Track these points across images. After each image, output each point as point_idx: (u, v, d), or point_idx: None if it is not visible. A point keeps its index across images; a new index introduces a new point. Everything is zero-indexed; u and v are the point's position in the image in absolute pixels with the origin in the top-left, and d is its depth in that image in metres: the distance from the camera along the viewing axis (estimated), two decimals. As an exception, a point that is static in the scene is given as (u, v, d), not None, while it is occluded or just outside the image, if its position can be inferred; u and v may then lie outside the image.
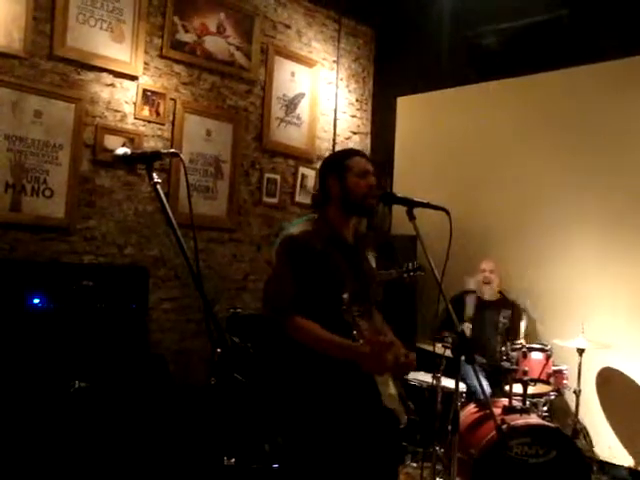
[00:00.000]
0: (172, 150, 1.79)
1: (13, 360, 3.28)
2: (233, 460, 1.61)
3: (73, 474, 3.17)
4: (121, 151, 1.81)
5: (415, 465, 4.21)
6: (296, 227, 2.45)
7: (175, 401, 3.84)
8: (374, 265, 2.58)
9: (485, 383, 4.08)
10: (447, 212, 2.41)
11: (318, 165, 5.32)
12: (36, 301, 3.48)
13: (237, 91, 4.94)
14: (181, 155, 1.78)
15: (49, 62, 3.94)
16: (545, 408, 4.15)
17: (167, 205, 1.63)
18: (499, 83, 5.11)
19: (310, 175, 5.39)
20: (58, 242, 3.99)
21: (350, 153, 2.50)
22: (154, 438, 3.53)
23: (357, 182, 2.37)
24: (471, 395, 4.09)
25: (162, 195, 1.66)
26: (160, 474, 3.38)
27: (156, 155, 1.75)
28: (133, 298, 3.86)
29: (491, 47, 5.24)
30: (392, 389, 2.27)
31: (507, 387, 3.86)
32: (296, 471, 2.25)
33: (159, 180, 1.71)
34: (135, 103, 4.33)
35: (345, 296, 2.03)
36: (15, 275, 3.49)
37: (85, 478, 3.19)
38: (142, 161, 1.77)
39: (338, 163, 2.42)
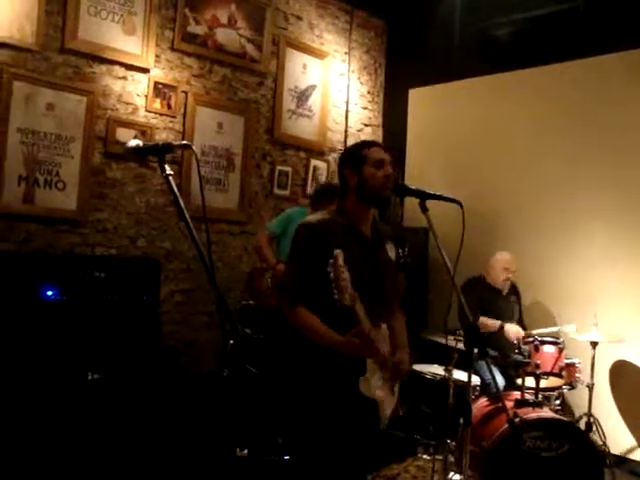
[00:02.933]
0: (184, 142, 1.78)
1: (28, 351, 3.30)
2: (245, 451, 1.61)
3: (87, 463, 3.20)
4: (133, 143, 1.80)
5: (427, 457, 4.21)
6: (314, 215, 2.45)
7: (188, 392, 3.86)
8: (393, 256, 2.56)
9: (498, 376, 4.07)
10: (460, 204, 2.40)
11: (329, 157, 5.42)
12: (49, 293, 3.50)
13: (248, 83, 4.93)
14: (193, 147, 1.77)
15: (61, 55, 3.96)
16: (558, 402, 4.12)
17: (180, 197, 1.62)
18: (512, 74, 5.07)
19: (322, 167, 5.38)
20: (70, 234, 4.01)
21: (366, 144, 2.48)
22: (167, 429, 3.55)
23: (373, 172, 2.36)
24: (484, 388, 4.08)
25: (174, 187, 1.66)
26: (173, 465, 3.40)
27: (168, 147, 1.74)
28: (145, 290, 3.88)
29: (504, 38, 5.18)
30: (378, 377, 2.33)
31: (519, 380, 3.84)
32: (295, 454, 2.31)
33: (171, 172, 1.70)
34: (147, 96, 4.34)
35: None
36: (29, 267, 3.52)
37: (99, 467, 3.21)
38: (154, 153, 1.76)
39: (354, 154, 2.42)
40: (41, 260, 3.68)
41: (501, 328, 4.17)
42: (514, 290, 4.57)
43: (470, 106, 5.34)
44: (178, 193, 1.66)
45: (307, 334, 2.28)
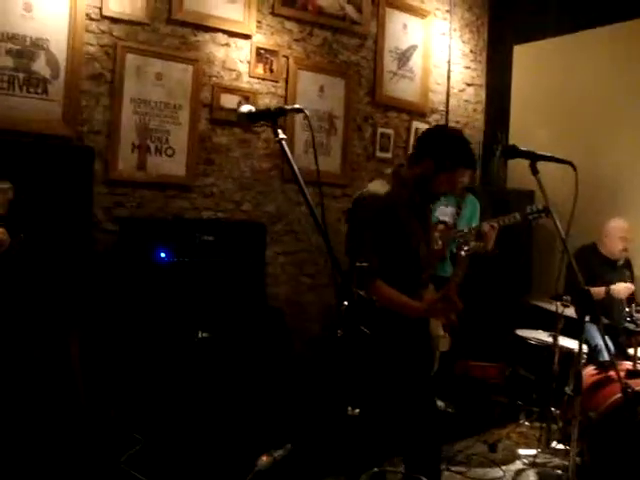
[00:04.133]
0: (297, 106, 1.80)
1: (144, 309, 3.50)
2: (357, 410, 1.65)
3: (198, 418, 3.38)
4: (245, 109, 1.84)
5: (528, 424, 4.15)
6: (378, 186, 2.49)
7: (292, 351, 3.98)
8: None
9: (610, 344, 3.92)
10: (573, 166, 2.33)
11: (432, 119, 5.33)
12: (162, 255, 3.65)
13: (349, 46, 4.89)
14: (306, 111, 1.79)
15: (168, 26, 4.07)
16: (672, 373, 3.93)
17: (293, 161, 1.66)
18: (628, 24, 4.73)
19: (424, 129, 5.27)
20: (180, 199, 4.18)
21: (462, 160, 2.45)
22: (274, 387, 3.69)
23: (447, 186, 2.45)
24: (592, 356, 3.95)
25: (288, 151, 1.69)
26: (283, 423, 3.54)
27: (281, 111, 1.78)
28: (251, 252, 3.98)
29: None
30: (442, 332, 2.61)
31: (631, 350, 3.69)
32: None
33: (284, 136, 1.73)
34: (249, 62, 4.40)
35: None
36: (143, 231, 3.70)
37: (208, 423, 3.39)
38: (267, 118, 1.80)
39: (449, 158, 2.41)
40: (154, 224, 3.86)
41: (607, 292, 4.02)
42: (628, 264, 4.35)
43: (581, 61, 5.05)
44: (291, 156, 1.70)
45: (387, 305, 2.34)
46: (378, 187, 2.46)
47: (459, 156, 2.43)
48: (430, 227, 2.68)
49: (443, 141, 2.46)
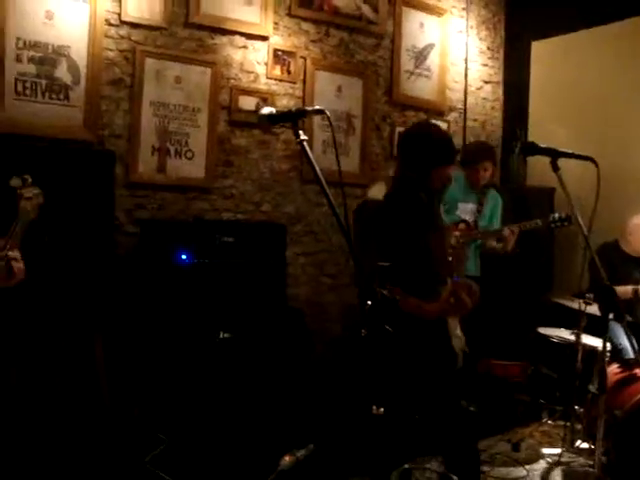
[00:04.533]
0: (317, 107, 1.82)
1: (165, 310, 3.53)
2: (382, 409, 1.65)
3: (220, 418, 3.41)
4: (266, 111, 1.86)
5: (552, 423, 4.12)
6: (379, 190, 2.52)
7: (313, 351, 3.99)
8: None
9: (635, 342, 3.88)
10: (594, 162, 2.31)
11: (450, 117, 5.31)
12: (183, 257, 3.68)
13: (365, 45, 4.90)
14: (327, 112, 1.80)
15: (186, 30, 4.11)
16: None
17: (314, 162, 1.67)
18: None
19: (442, 127, 5.27)
20: (200, 201, 4.21)
21: (438, 160, 2.47)
22: (298, 388, 3.70)
23: (439, 182, 2.49)
24: (615, 354, 3.91)
25: (309, 152, 1.70)
26: (304, 423, 3.55)
27: (302, 113, 1.79)
28: (271, 253, 3.99)
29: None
30: (459, 332, 2.57)
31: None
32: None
33: (306, 137, 1.74)
34: (267, 63, 4.43)
35: None
36: (164, 233, 3.73)
37: (231, 423, 3.41)
38: (288, 119, 1.81)
39: (442, 157, 2.46)
40: (175, 226, 3.89)
41: (635, 292, 3.95)
42: None
43: (599, 56, 5.00)
44: (312, 157, 1.71)
45: (407, 310, 2.33)
46: (376, 192, 2.51)
47: (433, 155, 2.45)
48: (440, 223, 2.66)
49: (414, 143, 2.50)
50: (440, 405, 2.48)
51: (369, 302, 1.54)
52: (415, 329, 2.38)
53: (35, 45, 3.60)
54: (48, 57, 3.64)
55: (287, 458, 2.15)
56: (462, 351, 2.60)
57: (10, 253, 1.86)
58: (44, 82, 3.64)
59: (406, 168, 2.50)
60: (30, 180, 2.15)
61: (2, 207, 2.06)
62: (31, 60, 3.59)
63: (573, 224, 2.44)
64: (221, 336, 3.60)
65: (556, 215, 3.79)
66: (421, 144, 2.46)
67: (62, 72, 3.69)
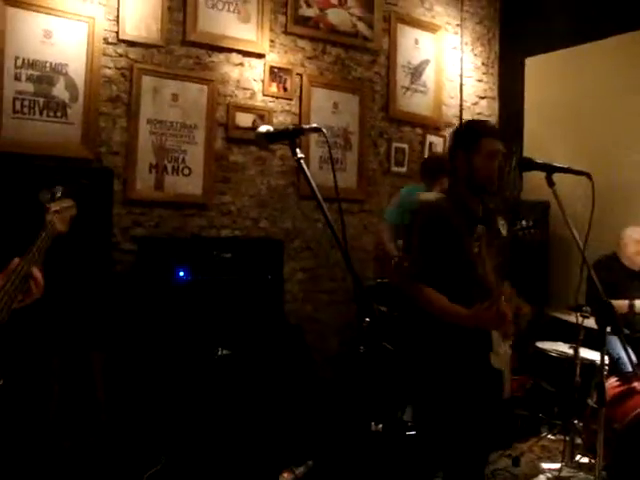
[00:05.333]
0: (314, 125, 1.83)
1: (163, 329, 3.52)
2: (380, 426, 1.65)
3: (219, 435, 3.39)
4: (264, 129, 1.86)
5: (551, 437, 4.11)
6: (431, 194, 2.48)
7: (312, 368, 3.97)
8: (505, 231, 2.56)
9: (633, 355, 3.88)
10: (589, 177, 2.34)
11: (446, 133, 5.34)
12: (181, 273, 3.67)
13: (361, 62, 4.94)
14: (323, 130, 1.81)
15: (183, 47, 4.14)
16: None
17: (312, 179, 1.68)
18: (635, 35, 4.71)
19: (438, 143, 5.31)
20: (197, 217, 4.22)
21: (482, 131, 2.43)
22: (297, 405, 3.68)
23: (485, 164, 2.35)
24: (614, 367, 3.90)
25: (306, 170, 1.71)
26: (303, 440, 3.53)
27: (299, 131, 1.80)
28: (269, 269, 3.98)
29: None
30: (503, 348, 2.36)
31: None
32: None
33: (302, 155, 1.75)
34: (263, 80, 4.46)
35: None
36: (162, 250, 3.72)
37: (230, 440, 3.39)
38: (285, 137, 1.82)
39: (469, 139, 2.39)
40: (172, 243, 3.88)
41: (631, 306, 3.95)
42: None
43: (592, 72, 5.04)
44: (309, 175, 1.72)
45: (432, 311, 2.29)
46: (430, 195, 2.50)
47: (476, 130, 2.44)
48: (495, 232, 2.51)
49: (459, 132, 2.53)
50: (465, 433, 2.31)
51: (367, 319, 1.55)
52: (447, 340, 2.29)
53: (33, 64, 3.63)
54: (46, 75, 3.67)
55: (286, 475, 2.15)
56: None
57: (35, 271, 1.80)
58: (42, 100, 3.66)
59: (455, 165, 2.45)
60: (60, 193, 2.13)
61: (30, 223, 2.01)
62: (29, 79, 3.62)
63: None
64: (219, 353, 3.59)
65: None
66: (456, 132, 2.57)
67: (60, 90, 3.72)
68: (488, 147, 2.36)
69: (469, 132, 2.44)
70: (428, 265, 2.31)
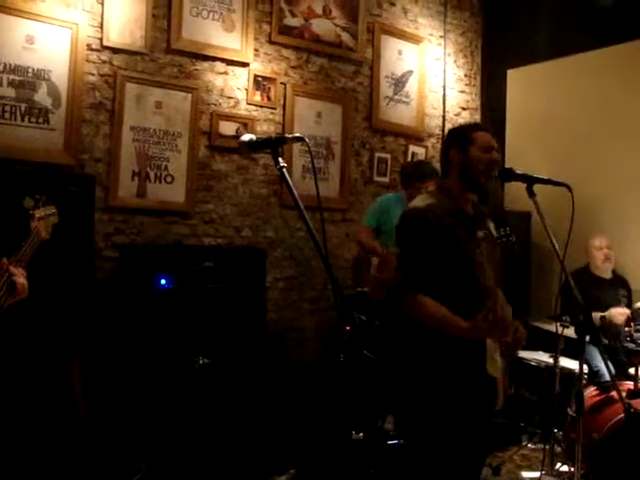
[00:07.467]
0: (297, 135, 1.84)
1: (144, 337, 3.50)
2: (361, 434, 1.65)
3: (199, 444, 3.37)
4: (247, 137, 1.87)
5: (532, 446, 4.13)
6: (419, 200, 2.40)
7: (293, 377, 3.96)
8: (495, 234, 2.55)
9: (610, 364, 3.92)
10: (569, 188, 2.36)
11: (428, 143, 5.38)
12: (162, 282, 3.66)
13: (345, 72, 4.97)
14: (306, 139, 1.83)
15: (167, 55, 4.14)
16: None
17: (293, 188, 1.69)
18: (618, 48, 4.80)
19: (420, 153, 5.36)
20: (180, 225, 4.20)
21: (476, 127, 2.46)
22: (278, 413, 3.67)
23: (480, 156, 2.33)
24: (592, 377, 3.94)
25: (289, 179, 1.72)
26: (285, 448, 3.52)
27: (282, 140, 1.81)
28: (251, 279, 3.98)
29: (609, 10, 4.91)
30: (499, 357, 2.28)
31: (632, 370, 3.69)
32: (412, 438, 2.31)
33: (285, 164, 1.76)
34: (247, 89, 4.47)
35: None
36: (143, 258, 3.71)
37: (210, 449, 3.37)
38: (268, 146, 1.83)
39: (463, 135, 2.39)
40: (154, 251, 3.86)
41: (603, 318, 3.95)
42: (623, 284, 4.34)
43: (573, 85, 5.11)
44: (292, 184, 1.73)
45: (429, 323, 2.21)
46: (418, 201, 2.41)
47: (470, 126, 2.46)
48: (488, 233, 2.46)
49: (452, 130, 2.51)
50: (457, 448, 2.23)
51: (347, 327, 1.55)
52: (438, 351, 2.22)
53: (15, 69, 3.60)
54: (28, 81, 3.64)
55: (268, 484, 2.13)
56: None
57: (12, 269, 1.85)
58: (23, 106, 3.63)
59: (449, 162, 2.41)
60: (43, 200, 2.18)
61: (13, 229, 2.07)
62: (11, 84, 3.59)
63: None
64: (201, 362, 3.58)
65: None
66: (450, 132, 2.51)
67: (42, 96, 3.70)
68: (482, 139, 2.35)
69: (463, 129, 2.45)
70: (424, 273, 2.23)
